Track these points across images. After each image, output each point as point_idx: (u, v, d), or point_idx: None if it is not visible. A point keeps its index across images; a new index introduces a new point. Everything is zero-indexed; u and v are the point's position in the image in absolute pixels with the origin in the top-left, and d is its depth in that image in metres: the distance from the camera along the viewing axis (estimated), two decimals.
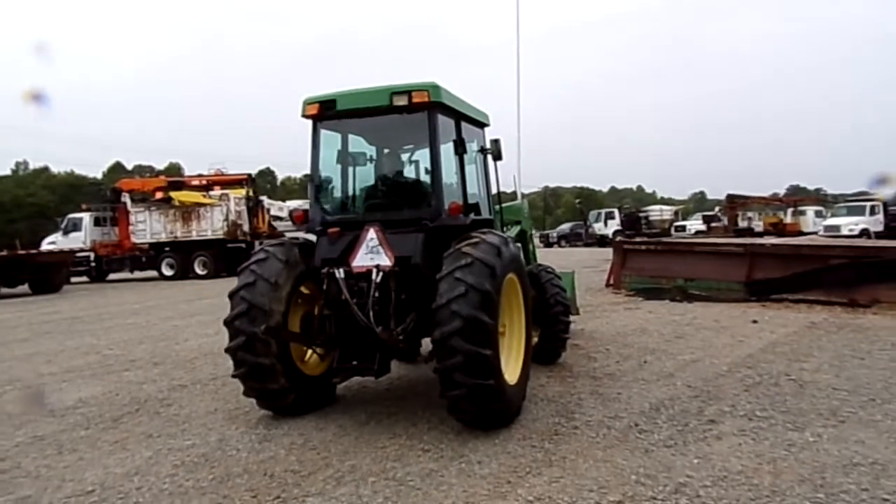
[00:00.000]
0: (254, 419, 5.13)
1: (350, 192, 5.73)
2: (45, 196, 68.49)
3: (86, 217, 24.96)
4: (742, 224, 36.98)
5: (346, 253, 4.92)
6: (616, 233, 36.57)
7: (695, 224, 42.79)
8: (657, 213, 43.49)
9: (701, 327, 8.41)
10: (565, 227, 46.91)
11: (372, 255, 4.83)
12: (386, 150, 5.88)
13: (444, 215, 4.98)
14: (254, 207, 24.08)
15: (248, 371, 4.85)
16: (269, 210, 26.15)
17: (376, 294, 4.66)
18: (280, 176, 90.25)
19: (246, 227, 23.63)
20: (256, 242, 24.55)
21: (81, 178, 72.84)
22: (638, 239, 22.68)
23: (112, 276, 25.35)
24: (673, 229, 41.06)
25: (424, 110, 4.99)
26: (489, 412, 4.44)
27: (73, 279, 23.53)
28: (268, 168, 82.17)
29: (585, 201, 60.54)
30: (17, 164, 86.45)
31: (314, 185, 5.42)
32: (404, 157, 5.82)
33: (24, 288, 20.16)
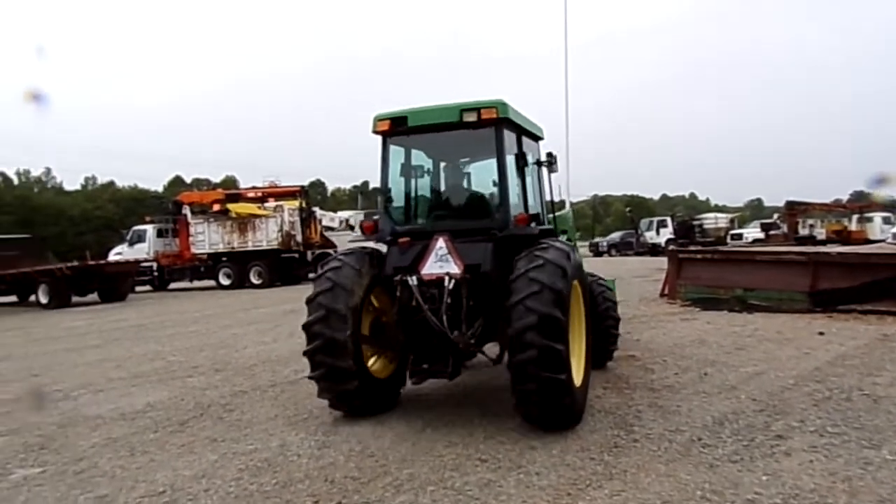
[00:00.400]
0: (312, 426, 5.24)
1: (417, 204, 5.99)
2: (111, 209, 72.01)
3: (149, 229, 26.08)
4: (803, 232, 35.47)
5: (416, 261, 5.13)
6: (669, 241, 35.70)
7: (752, 232, 41.33)
8: (712, 220, 42.23)
9: (763, 339, 8.11)
10: (615, 235, 46.12)
11: (441, 263, 5.02)
12: (445, 163, 6.15)
13: (511, 226, 5.21)
14: (307, 218, 24.65)
15: (326, 373, 5.07)
16: (321, 220, 26.69)
17: (449, 300, 4.87)
18: (330, 187, 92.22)
19: (299, 238, 24.19)
20: (309, 252, 25.18)
21: (144, 192, 76.18)
22: (693, 247, 22.12)
23: (173, 285, 26.38)
24: (729, 238, 39.74)
25: (492, 126, 5.22)
26: (558, 408, 4.56)
27: (138, 288, 24.60)
28: (318, 179, 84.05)
29: (636, 209, 59.35)
30: (87, 179, 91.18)
31: (384, 197, 5.71)
32: (466, 169, 6.07)
33: (94, 296, 21.20)
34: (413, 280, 5.03)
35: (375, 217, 5.81)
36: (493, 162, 5.33)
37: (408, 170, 5.86)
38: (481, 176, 5.81)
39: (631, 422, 4.88)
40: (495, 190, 5.42)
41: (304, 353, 5.16)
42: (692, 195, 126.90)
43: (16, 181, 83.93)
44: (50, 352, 10.34)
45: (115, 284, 21.45)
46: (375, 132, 5.56)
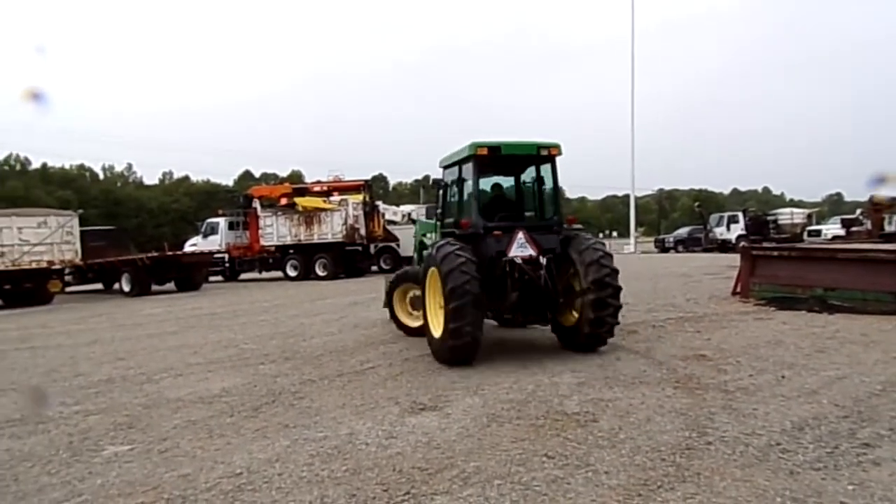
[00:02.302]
0: (379, 416, 5.35)
1: (500, 207, 8.26)
2: (186, 202, 75.55)
3: (221, 221, 27.18)
4: (889, 228, 33.27)
5: (504, 247, 7.35)
6: (740, 237, 34.19)
7: (832, 228, 39.01)
8: (787, 216, 40.14)
9: (846, 341, 7.67)
10: (683, 231, 44.53)
11: (521, 248, 7.35)
12: (518, 178, 8.66)
13: (564, 224, 7.87)
14: (370, 212, 25.05)
15: (471, 321, 6.86)
16: (384, 214, 27.08)
17: (543, 272, 7.27)
18: (392, 181, 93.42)
19: (363, 231, 24.63)
20: (372, 246, 25.61)
21: (216, 186, 79.50)
22: (767, 244, 21.12)
23: (243, 276, 27.42)
24: (806, 234, 37.73)
25: (553, 158, 7.86)
26: (614, 326, 7.44)
27: (211, 278, 25.72)
28: (380, 174, 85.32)
29: (704, 204, 57.23)
30: (164, 173, 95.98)
31: (478, 202, 7.69)
32: (528, 183, 8.58)
33: (171, 285, 22.34)
34: (519, 259, 7.25)
35: (468, 217, 7.70)
36: (551, 180, 7.99)
37: (499, 183, 8.49)
38: (541, 189, 8.28)
39: (704, 424, 4.73)
40: (551, 202, 8.15)
41: (454, 309, 6.77)
42: (765, 189, 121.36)
43: (101, 176, 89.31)
44: (133, 337, 10.97)
45: (191, 274, 22.50)
46: (475, 155, 7.53)
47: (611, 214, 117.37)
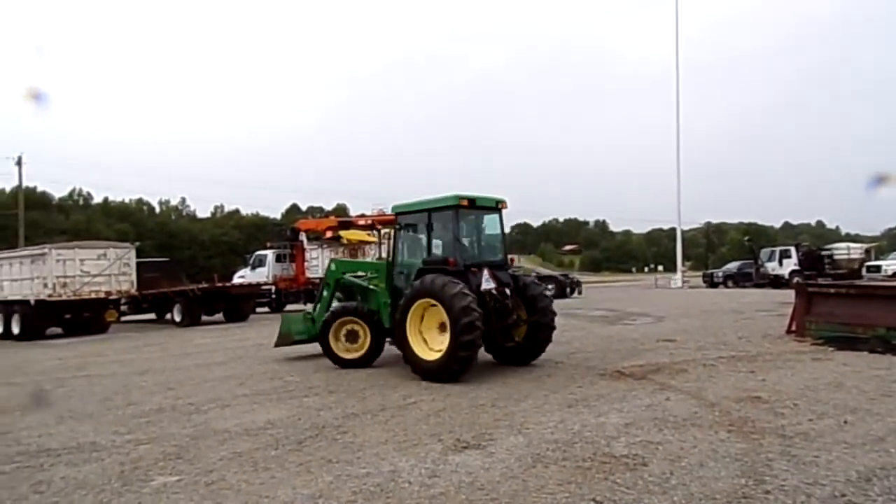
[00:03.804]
0: (422, 453, 5.30)
1: (472, 248, 9.90)
2: (235, 235, 77.84)
3: (269, 254, 27.81)
4: None
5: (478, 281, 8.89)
6: (793, 273, 33.02)
7: (892, 264, 37.32)
8: (843, 251, 38.49)
9: None
10: (732, 266, 43.23)
11: (487, 283, 8.92)
12: (480, 226, 10.07)
13: (509, 264, 10.07)
14: None
15: (474, 350, 8.44)
16: None
17: (510, 301, 9.19)
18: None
19: None
20: None
21: (265, 219, 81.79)
22: (823, 280, 20.29)
23: (289, 307, 27.86)
24: (864, 270, 36.11)
25: (502, 210, 9.84)
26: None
27: (258, 309, 26.24)
28: None
29: (755, 237, 55.59)
30: (216, 207, 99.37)
31: (459, 244, 9.28)
32: (486, 231, 10.08)
33: (219, 316, 22.88)
34: (494, 291, 8.94)
35: (453, 257, 9.01)
36: (499, 228, 9.95)
37: (468, 228, 9.86)
38: (492, 234, 10.03)
39: (761, 471, 4.51)
40: (500, 245, 9.99)
41: (466, 341, 8.20)
42: (819, 223, 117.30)
43: (157, 209, 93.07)
44: (183, 367, 11.24)
45: (239, 305, 23.01)
46: (458, 205, 9.13)
47: (656, 248, 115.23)
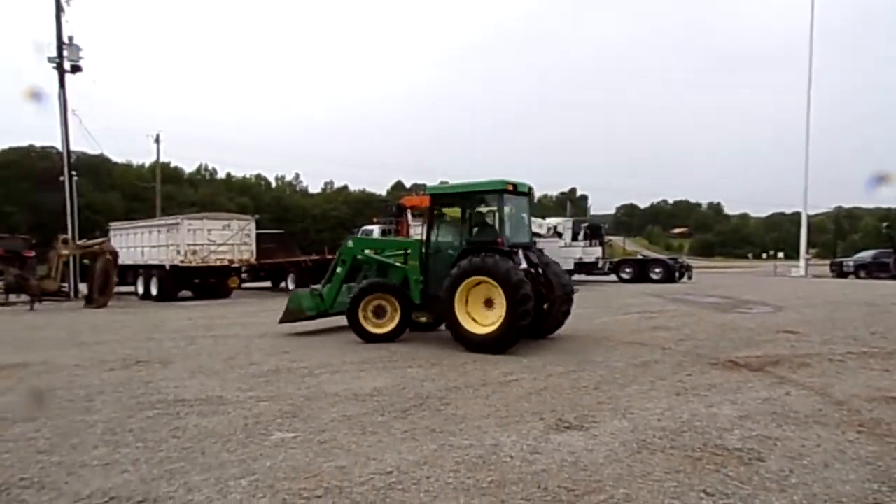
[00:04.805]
0: (524, 430, 5.33)
1: (511, 230, 10.08)
2: (344, 210, 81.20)
3: (375, 229, 28.75)
4: None
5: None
6: None
7: None
8: None
9: None
10: (866, 254, 39.22)
11: (523, 263, 9.76)
12: (510, 209, 10.24)
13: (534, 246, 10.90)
14: None
15: (529, 320, 9.13)
16: None
17: (541, 279, 10.19)
18: (537, 193, 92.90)
19: None
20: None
21: (371, 195, 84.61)
22: None
23: None
24: None
25: (532, 195, 10.78)
26: None
27: None
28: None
29: (894, 224, 50.16)
30: (326, 183, 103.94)
31: (505, 225, 9.84)
32: (519, 215, 10.62)
33: None
34: (531, 270, 9.90)
35: (501, 237, 9.62)
36: (527, 212, 10.77)
37: (507, 212, 10.07)
38: (523, 217, 10.71)
39: None
40: (528, 228, 10.89)
41: (522, 311, 8.94)
42: None
43: (273, 184, 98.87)
44: (297, 333, 11.95)
45: None
46: (504, 189, 9.77)
47: (776, 234, 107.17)
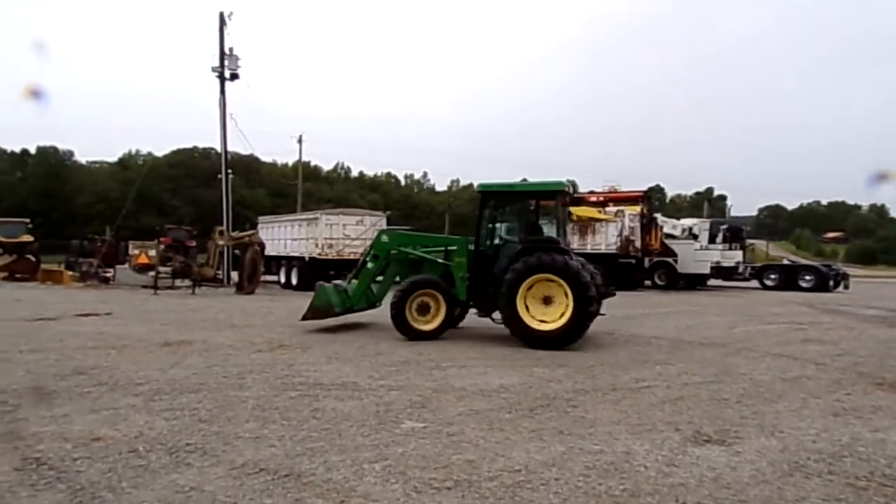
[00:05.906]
0: (658, 439, 5.08)
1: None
2: (466, 207, 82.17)
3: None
4: None
5: None
6: None
7: None
8: None
9: None
10: None
11: None
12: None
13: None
14: (647, 224, 24.07)
15: (594, 317, 9.71)
16: (661, 227, 25.75)
17: None
18: (670, 193, 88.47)
19: (638, 244, 23.76)
20: (646, 259, 24.53)
21: None
22: None
23: None
24: None
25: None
26: None
27: None
28: (657, 185, 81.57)
29: None
30: (452, 181, 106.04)
31: (564, 226, 10.46)
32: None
33: None
34: None
35: (558, 237, 10.18)
36: (563, 214, 10.68)
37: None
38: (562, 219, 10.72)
39: None
40: (564, 229, 10.61)
41: (590, 309, 9.43)
42: None
43: (402, 182, 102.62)
44: None
45: None
46: (563, 191, 10.36)
47: None
